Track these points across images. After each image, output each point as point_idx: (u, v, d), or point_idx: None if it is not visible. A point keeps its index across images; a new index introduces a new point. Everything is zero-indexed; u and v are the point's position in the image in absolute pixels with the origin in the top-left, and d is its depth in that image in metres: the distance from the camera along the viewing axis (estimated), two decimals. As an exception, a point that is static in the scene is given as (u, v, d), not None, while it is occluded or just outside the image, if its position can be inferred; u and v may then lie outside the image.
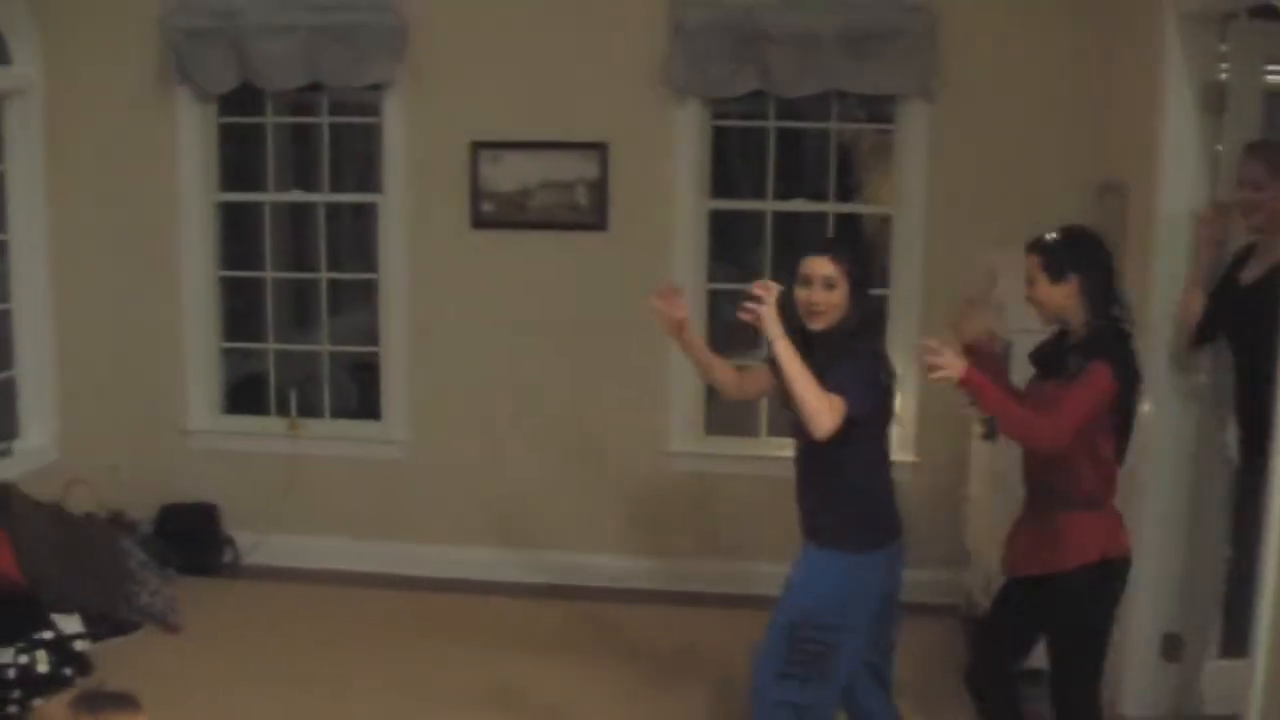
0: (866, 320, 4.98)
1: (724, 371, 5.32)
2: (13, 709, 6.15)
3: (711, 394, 7.64)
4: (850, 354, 4.82)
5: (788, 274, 4.93)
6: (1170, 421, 5.87)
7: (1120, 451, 4.85)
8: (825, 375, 4.68)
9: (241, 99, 8.00)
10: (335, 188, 8.26)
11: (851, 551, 4.85)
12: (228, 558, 8.14)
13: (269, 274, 8.19)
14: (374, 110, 7.91)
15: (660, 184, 7.52)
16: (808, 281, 4.88)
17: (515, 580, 7.78)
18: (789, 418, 4.92)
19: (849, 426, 4.67)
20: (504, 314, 7.66)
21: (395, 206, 7.73)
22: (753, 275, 6.63)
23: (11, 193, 7.89)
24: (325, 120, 8.06)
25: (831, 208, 7.75)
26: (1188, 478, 5.89)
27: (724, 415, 7.92)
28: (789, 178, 7.85)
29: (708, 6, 7.25)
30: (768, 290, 4.69)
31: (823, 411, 4.60)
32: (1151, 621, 5.92)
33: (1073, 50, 7.08)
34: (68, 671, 6.35)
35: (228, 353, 8.37)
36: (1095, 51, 6.98)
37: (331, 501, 8.04)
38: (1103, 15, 6.92)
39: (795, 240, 7.95)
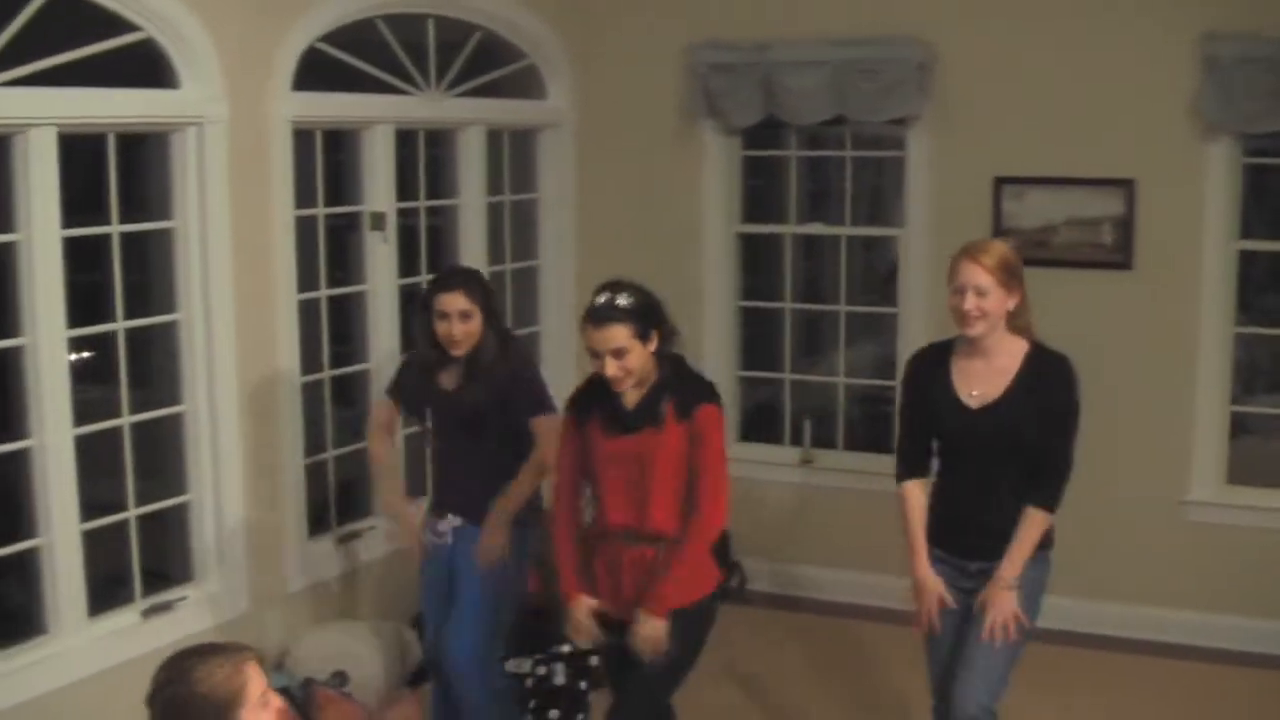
0: (503, 343, 5.56)
1: None
2: (529, 718, 6.38)
3: (1236, 442, 7.39)
4: (518, 375, 5.58)
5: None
6: None
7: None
8: (512, 396, 5.51)
9: (761, 131, 8.15)
10: (844, 219, 8.30)
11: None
12: (734, 582, 8.23)
13: (788, 305, 8.30)
14: (892, 144, 7.92)
15: (1188, 223, 7.20)
16: (445, 316, 5.45)
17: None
18: (446, 414, 5.67)
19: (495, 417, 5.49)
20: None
21: (917, 239, 7.68)
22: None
23: (544, 220, 8.24)
24: (848, 154, 8.11)
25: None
26: None
27: (1248, 464, 7.56)
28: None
29: (1242, 40, 6.89)
30: None
31: (550, 458, 5.42)
32: None
33: None
34: (583, 685, 6.53)
35: (741, 380, 8.52)
36: None
37: (840, 534, 8.05)
38: None
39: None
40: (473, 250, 7.62)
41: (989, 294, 4.76)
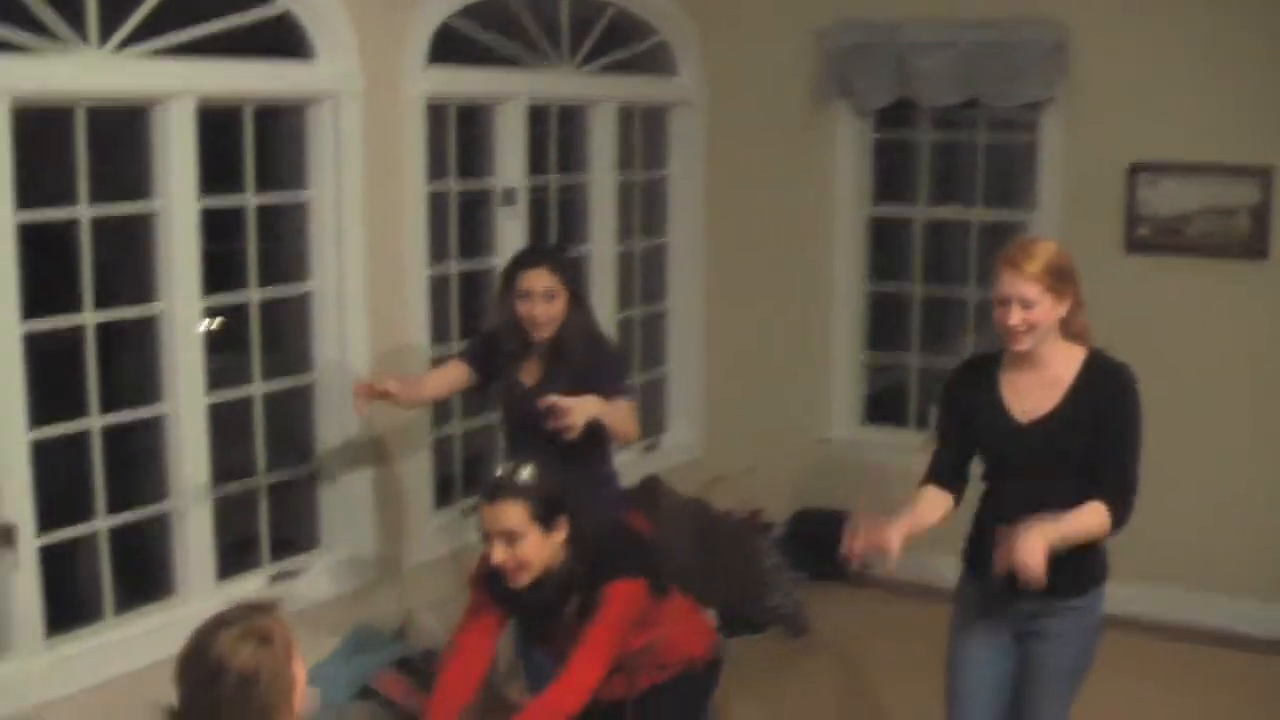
0: (589, 332, 5.24)
1: None
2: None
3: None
4: (602, 354, 5.27)
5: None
6: None
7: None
8: (593, 379, 5.02)
9: (892, 113, 8.12)
10: (974, 203, 8.23)
11: None
12: (855, 566, 8.19)
13: (918, 288, 8.26)
14: (1022, 127, 7.83)
15: (1327, 213, 7.11)
16: (528, 295, 5.09)
17: (1158, 619, 7.45)
18: (524, 412, 5.14)
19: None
20: (1152, 342, 7.31)
21: (1047, 226, 7.57)
22: None
23: (673, 198, 8.27)
24: (981, 138, 8.03)
25: None
26: None
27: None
28: None
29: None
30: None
31: (630, 423, 5.16)
32: None
33: None
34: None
35: (868, 363, 8.50)
36: None
37: (962, 521, 7.98)
38: None
39: None
40: (602, 227, 7.65)
41: (1036, 305, 4.25)
